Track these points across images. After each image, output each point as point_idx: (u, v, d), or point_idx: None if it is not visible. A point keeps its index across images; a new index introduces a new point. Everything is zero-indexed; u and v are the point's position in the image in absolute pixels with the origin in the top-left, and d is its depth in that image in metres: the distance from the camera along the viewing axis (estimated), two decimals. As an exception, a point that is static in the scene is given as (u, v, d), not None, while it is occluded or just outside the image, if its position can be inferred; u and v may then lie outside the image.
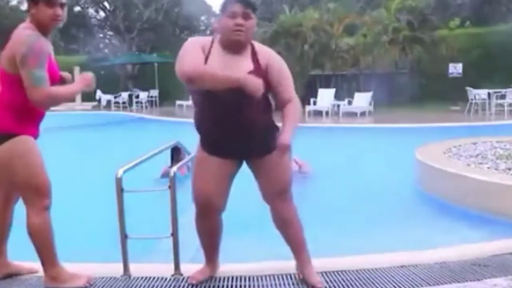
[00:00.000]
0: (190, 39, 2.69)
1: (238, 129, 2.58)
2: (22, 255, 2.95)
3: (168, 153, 6.11)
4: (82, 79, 2.79)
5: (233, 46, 2.57)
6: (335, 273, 2.88)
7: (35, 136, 2.70)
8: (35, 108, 2.61)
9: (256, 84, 2.44)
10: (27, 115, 2.61)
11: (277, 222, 2.79)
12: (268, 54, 2.64)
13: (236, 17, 2.50)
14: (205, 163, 2.70)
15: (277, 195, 2.71)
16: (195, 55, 2.51)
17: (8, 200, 2.81)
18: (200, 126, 2.74)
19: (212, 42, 2.63)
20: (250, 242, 4.05)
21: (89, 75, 2.80)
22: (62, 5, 2.63)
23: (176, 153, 6.15)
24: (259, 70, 2.56)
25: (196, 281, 2.81)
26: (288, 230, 2.78)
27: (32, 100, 2.50)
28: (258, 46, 2.67)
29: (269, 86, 2.57)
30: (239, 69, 2.54)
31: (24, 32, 2.56)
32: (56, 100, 2.66)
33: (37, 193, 2.63)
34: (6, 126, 2.56)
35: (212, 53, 2.58)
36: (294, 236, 2.79)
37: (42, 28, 2.61)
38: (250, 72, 2.52)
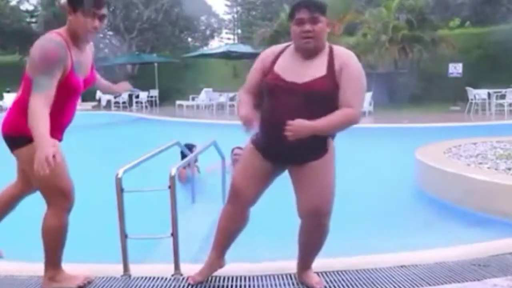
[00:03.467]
0: (263, 52, 2.70)
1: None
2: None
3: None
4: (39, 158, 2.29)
5: (305, 52, 2.52)
6: (335, 273, 2.88)
7: (59, 140, 2.67)
8: (60, 113, 2.59)
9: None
10: (52, 123, 2.53)
11: (303, 237, 2.69)
12: (345, 57, 2.53)
13: (303, 23, 2.44)
14: (253, 157, 2.67)
15: (312, 212, 2.55)
16: (248, 86, 2.66)
17: (26, 187, 2.80)
18: (261, 124, 2.63)
19: (285, 49, 2.62)
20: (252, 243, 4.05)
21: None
22: (101, 17, 2.56)
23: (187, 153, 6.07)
24: (333, 75, 2.47)
25: (194, 282, 2.80)
26: (311, 247, 2.73)
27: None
28: (337, 49, 2.57)
29: (338, 88, 2.48)
30: (308, 75, 2.48)
31: (48, 36, 2.52)
32: (30, 117, 2.38)
33: (60, 194, 2.63)
34: (27, 129, 2.50)
35: (282, 57, 2.57)
36: (310, 254, 2.76)
37: (75, 36, 2.56)
38: (320, 78, 2.46)
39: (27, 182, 2.77)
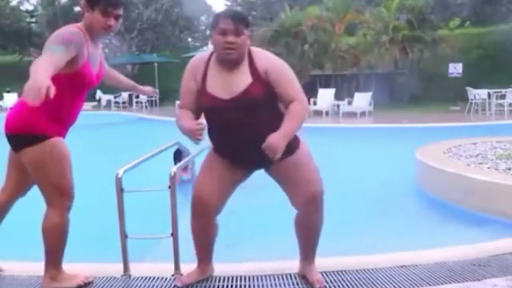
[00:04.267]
0: (187, 66, 2.65)
1: (249, 143, 2.48)
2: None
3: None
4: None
5: (228, 63, 2.52)
6: (335, 273, 2.88)
7: (62, 137, 2.68)
8: (68, 111, 2.60)
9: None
10: (60, 118, 2.60)
11: (301, 227, 2.71)
12: (265, 58, 2.56)
13: (226, 34, 2.43)
14: (215, 164, 2.67)
15: (307, 200, 2.60)
16: (185, 101, 2.61)
17: (17, 191, 2.80)
18: (213, 140, 2.70)
19: (210, 58, 2.59)
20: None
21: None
22: (117, 17, 2.62)
23: (178, 155, 6.08)
24: (259, 79, 2.50)
25: (181, 284, 2.77)
26: (310, 235, 2.74)
27: None
28: (254, 51, 2.57)
29: (273, 90, 2.51)
30: (238, 86, 2.49)
31: (66, 27, 2.56)
32: (32, 66, 2.21)
33: (61, 193, 2.63)
34: (39, 127, 2.54)
35: (210, 72, 2.56)
36: (311, 242, 2.76)
37: (91, 32, 2.61)
38: (250, 85, 2.47)
39: (17, 185, 2.77)
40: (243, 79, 2.51)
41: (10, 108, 2.72)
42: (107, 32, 2.65)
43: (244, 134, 2.51)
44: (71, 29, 2.54)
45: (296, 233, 2.76)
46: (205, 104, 2.56)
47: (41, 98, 2.00)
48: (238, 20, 2.45)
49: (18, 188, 2.80)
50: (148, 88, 3.45)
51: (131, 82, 3.34)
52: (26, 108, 2.51)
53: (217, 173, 2.66)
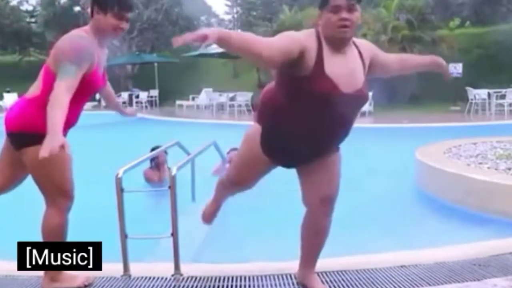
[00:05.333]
0: (294, 32, 2.35)
1: (328, 138, 2.45)
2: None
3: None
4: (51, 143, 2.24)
5: (340, 44, 2.31)
6: (335, 273, 2.88)
7: None
8: (72, 113, 2.59)
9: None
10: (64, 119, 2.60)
11: (308, 229, 2.65)
12: (367, 46, 2.51)
13: (340, 11, 2.23)
14: (257, 160, 2.57)
15: (323, 200, 2.54)
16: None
17: (9, 184, 2.80)
18: (287, 133, 2.42)
19: (320, 41, 2.31)
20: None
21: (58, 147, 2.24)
22: (127, 19, 2.65)
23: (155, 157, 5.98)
24: (365, 67, 2.43)
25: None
26: (316, 240, 2.68)
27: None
28: (356, 41, 2.46)
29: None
30: (358, 79, 2.35)
31: (75, 31, 2.57)
32: (51, 102, 2.35)
33: (61, 194, 2.63)
34: (43, 127, 2.46)
35: (326, 58, 2.29)
36: (316, 247, 2.71)
37: (100, 35, 2.63)
38: (364, 82, 2.39)
39: (9, 180, 2.77)
40: (359, 70, 2.38)
41: (11, 107, 2.70)
42: (116, 35, 2.67)
43: (334, 129, 2.42)
44: (81, 37, 2.53)
45: (301, 236, 2.69)
46: (320, 90, 2.26)
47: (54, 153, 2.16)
48: None
49: (10, 182, 2.79)
50: (131, 110, 3.49)
51: (117, 100, 3.36)
52: (30, 106, 2.52)
53: (260, 169, 2.64)
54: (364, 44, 2.52)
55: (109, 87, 3.09)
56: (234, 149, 5.69)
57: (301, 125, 2.37)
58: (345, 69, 2.32)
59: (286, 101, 2.36)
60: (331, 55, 2.30)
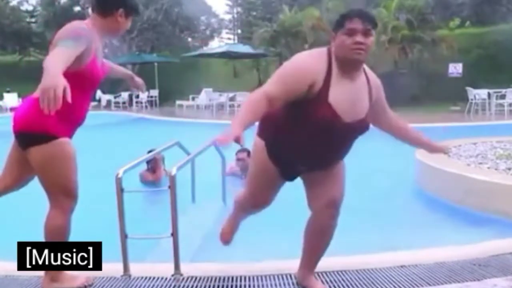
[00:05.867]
0: (301, 60, 2.35)
1: (330, 157, 2.49)
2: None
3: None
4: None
5: (351, 66, 2.32)
6: (335, 273, 2.88)
7: (69, 137, 2.67)
8: (77, 111, 2.61)
9: None
10: (69, 117, 2.59)
11: (313, 231, 2.64)
12: (378, 82, 2.52)
13: (355, 34, 2.24)
14: (269, 171, 2.57)
15: (329, 203, 2.55)
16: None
17: (16, 184, 2.79)
18: (291, 149, 2.47)
19: (330, 63, 2.32)
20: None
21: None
22: (132, 19, 2.71)
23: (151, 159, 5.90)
24: (371, 97, 2.45)
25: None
26: (320, 242, 2.68)
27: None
28: (366, 69, 2.47)
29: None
30: (361, 108, 2.37)
31: (76, 22, 2.57)
32: (46, 63, 2.21)
33: (65, 194, 2.63)
34: (49, 127, 2.52)
35: (333, 82, 2.29)
36: (318, 250, 2.70)
37: (103, 32, 2.67)
38: (367, 112, 2.41)
39: (17, 179, 2.77)
40: (364, 100, 2.39)
41: (18, 107, 2.70)
42: (118, 34, 2.74)
43: (335, 149, 2.47)
44: (78, 25, 2.55)
45: (305, 238, 2.69)
46: (320, 117, 2.29)
47: (59, 102, 2.00)
48: (367, 20, 2.28)
49: (17, 182, 2.78)
50: (140, 81, 3.32)
51: (126, 70, 3.33)
52: (36, 105, 2.51)
53: (273, 183, 2.66)
54: (375, 78, 2.52)
55: (111, 66, 3.09)
56: (243, 150, 5.68)
57: (301, 144, 2.41)
58: (350, 96, 2.33)
59: (286, 121, 2.39)
60: (339, 79, 2.31)
